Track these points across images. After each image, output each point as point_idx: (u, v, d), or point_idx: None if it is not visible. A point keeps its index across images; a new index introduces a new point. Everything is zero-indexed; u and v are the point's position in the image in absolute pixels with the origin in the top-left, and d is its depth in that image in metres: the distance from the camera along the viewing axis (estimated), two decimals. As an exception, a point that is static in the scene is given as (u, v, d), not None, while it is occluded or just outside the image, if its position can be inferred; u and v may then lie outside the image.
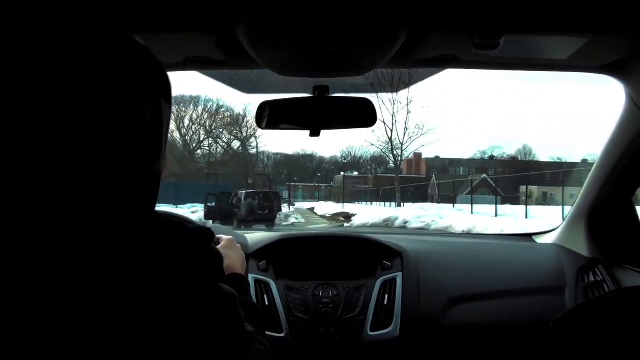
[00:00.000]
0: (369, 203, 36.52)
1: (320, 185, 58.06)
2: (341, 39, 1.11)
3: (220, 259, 0.80)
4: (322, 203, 40.24)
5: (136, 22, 1.09)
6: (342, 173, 57.20)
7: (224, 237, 1.34)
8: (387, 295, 1.53)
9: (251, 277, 1.55)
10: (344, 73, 1.32)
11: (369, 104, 1.40)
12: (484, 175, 31.27)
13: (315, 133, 1.44)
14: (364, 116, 1.41)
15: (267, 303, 1.50)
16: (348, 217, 22.64)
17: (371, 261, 1.64)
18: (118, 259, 0.67)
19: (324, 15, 1.03)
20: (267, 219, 19.01)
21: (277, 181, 34.44)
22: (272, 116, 1.46)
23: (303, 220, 19.02)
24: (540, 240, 2.00)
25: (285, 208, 25.98)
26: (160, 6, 1.01)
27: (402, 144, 28.32)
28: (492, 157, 54.67)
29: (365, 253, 1.68)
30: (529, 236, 2.08)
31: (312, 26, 1.06)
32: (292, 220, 18.98)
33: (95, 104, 0.68)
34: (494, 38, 1.10)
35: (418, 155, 56.92)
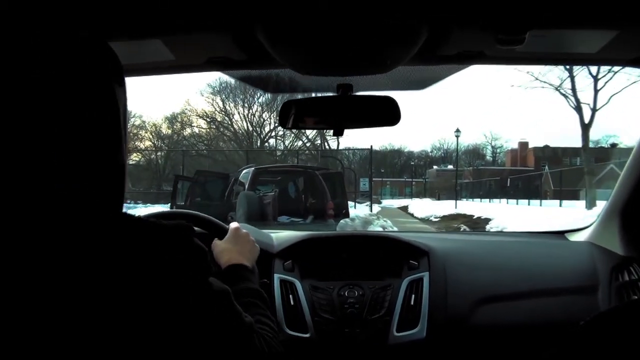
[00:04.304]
0: (470, 199, 30.59)
1: (412, 180, 52.85)
2: (363, 37, 1.10)
3: (203, 254, 0.76)
4: (416, 200, 32.72)
5: (157, 25, 1.10)
6: (434, 167, 53.21)
7: (232, 226, 1.31)
8: (413, 296, 1.51)
9: (276, 277, 1.56)
10: (367, 71, 1.31)
11: (392, 102, 1.39)
12: (611, 165, 21.84)
13: (338, 132, 1.43)
14: (388, 114, 1.40)
15: (292, 303, 1.50)
16: (475, 222, 15.23)
17: (397, 261, 1.63)
18: (92, 265, 0.65)
19: (344, 14, 1.02)
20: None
21: (358, 174, 24.19)
22: (297, 116, 1.46)
23: (395, 229, 9.94)
24: (573, 238, 1.94)
25: (365, 208, 16.93)
26: (177, 8, 1.02)
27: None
28: (613, 144, 44.04)
29: (391, 252, 1.66)
30: (561, 234, 2.03)
31: (333, 25, 1.05)
32: (376, 229, 9.27)
33: (35, 97, 0.65)
34: (519, 33, 1.07)
35: (524, 145, 49.96)
